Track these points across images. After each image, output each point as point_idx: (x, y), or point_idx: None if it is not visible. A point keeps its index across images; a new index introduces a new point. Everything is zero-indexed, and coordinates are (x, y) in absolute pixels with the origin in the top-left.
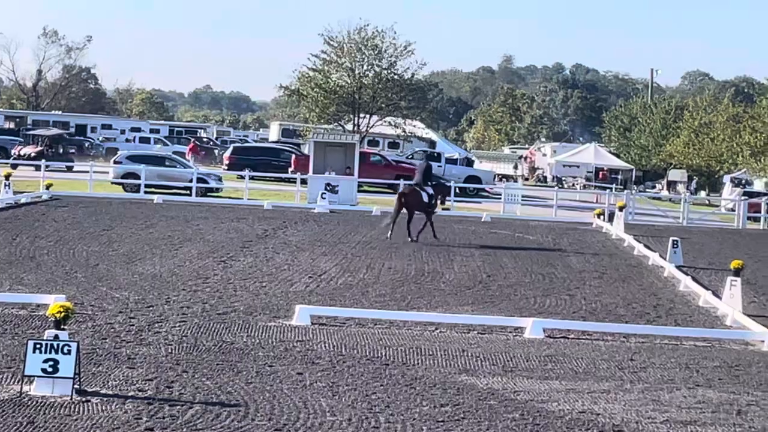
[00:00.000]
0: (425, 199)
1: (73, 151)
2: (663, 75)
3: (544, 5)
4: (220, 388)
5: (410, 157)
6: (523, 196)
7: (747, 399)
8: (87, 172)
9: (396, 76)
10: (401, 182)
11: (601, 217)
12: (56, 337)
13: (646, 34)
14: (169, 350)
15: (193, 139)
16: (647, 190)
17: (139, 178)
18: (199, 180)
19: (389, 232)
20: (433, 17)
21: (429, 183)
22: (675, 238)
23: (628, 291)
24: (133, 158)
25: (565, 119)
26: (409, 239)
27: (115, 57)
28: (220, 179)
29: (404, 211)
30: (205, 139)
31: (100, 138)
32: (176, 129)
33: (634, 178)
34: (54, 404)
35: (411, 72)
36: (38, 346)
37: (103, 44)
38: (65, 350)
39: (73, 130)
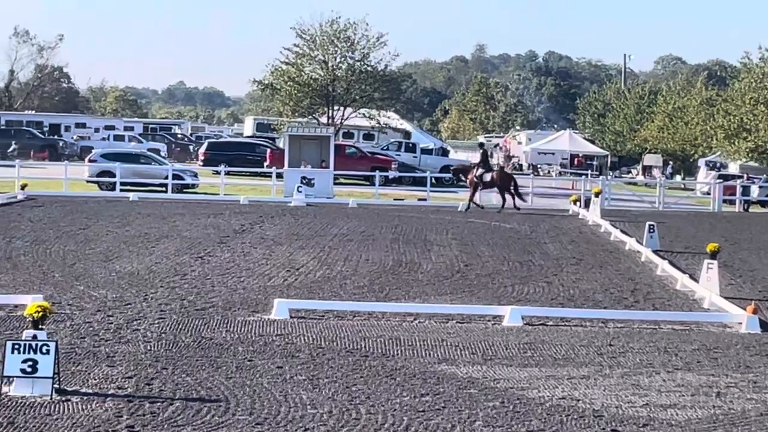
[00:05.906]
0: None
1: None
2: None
3: None
4: (200, 383)
5: (385, 148)
6: None
7: (726, 381)
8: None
9: (369, 68)
10: (377, 173)
11: (578, 203)
12: (34, 337)
13: (618, 19)
14: (149, 347)
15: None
16: (623, 175)
17: (114, 176)
18: (175, 176)
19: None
20: (405, 8)
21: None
22: (651, 223)
23: (605, 276)
24: (108, 156)
25: (540, 107)
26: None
27: (88, 55)
28: (195, 175)
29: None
30: (179, 136)
31: (74, 137)
32: (150, 126)
33: (609, 164)
34: (34, 404)
35: (384, 63)
36: (17, 346)
37: (75, 43)
38: (44, 350)
39: (47, 129)
